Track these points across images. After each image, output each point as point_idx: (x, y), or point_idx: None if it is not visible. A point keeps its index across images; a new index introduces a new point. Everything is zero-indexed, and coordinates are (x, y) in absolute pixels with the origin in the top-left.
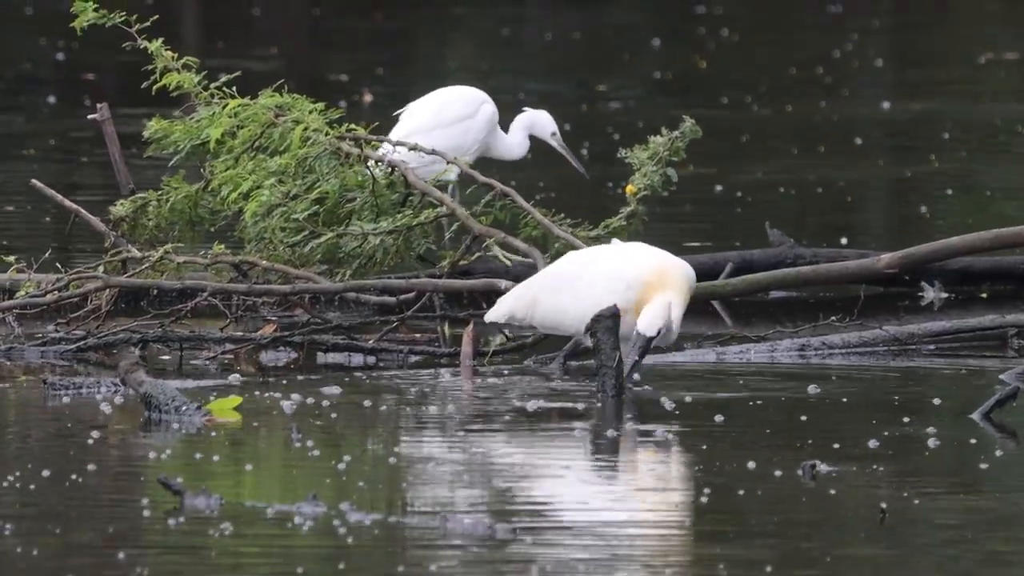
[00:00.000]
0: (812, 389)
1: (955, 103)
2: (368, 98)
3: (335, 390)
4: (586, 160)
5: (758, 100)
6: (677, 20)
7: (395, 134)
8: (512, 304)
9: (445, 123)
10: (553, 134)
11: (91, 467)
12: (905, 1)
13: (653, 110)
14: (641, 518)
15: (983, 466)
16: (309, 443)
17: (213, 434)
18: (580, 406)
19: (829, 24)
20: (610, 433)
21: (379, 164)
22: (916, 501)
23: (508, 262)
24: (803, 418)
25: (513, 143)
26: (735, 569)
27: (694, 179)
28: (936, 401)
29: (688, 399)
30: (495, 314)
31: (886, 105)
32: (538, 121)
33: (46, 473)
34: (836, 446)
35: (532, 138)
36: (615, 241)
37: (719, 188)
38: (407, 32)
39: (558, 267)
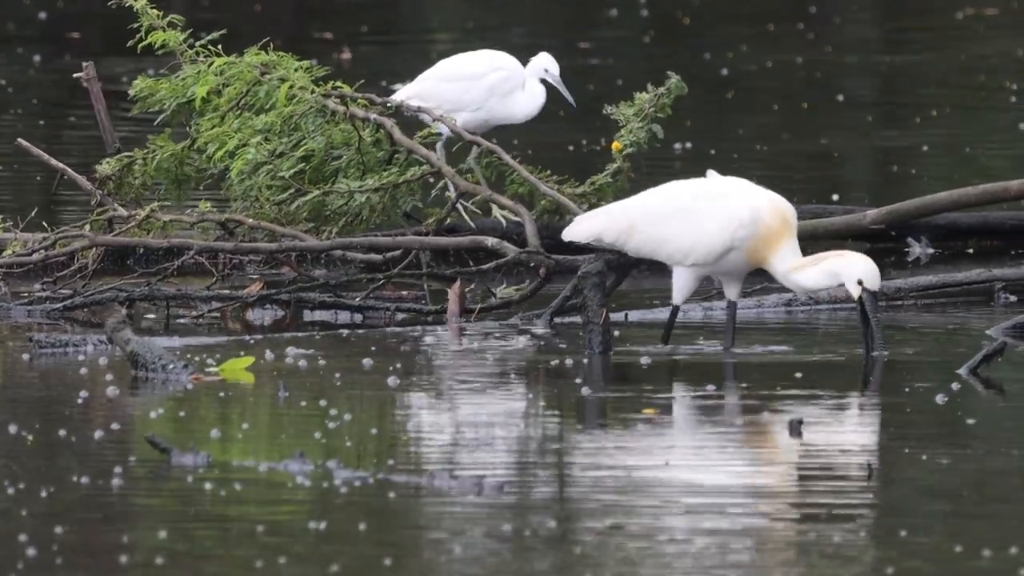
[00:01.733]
0: (784, 349)
1: (938, 58)
2: (347, 56)
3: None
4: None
5: (740, 57)
6: None
7: (405, 89)
8: (601, 225)
9: (451, 77)
10: (546, 70)
11: (78, 426)
12: None
13: (636, 67)
14: (625, 474)
15: (970, 421)
16: (297, 401)
17: (202, 392)
18: (567, 362)
19: None
20: (595, 390)
21: (366, 122)
22: (904, 455)
23: (503, 221)
24: (797, 375)
25: (516, 103)
26: (703, 523)
27: (682, 137)
28: (923, 356)
29: (677, 356)
30: (576, 232)
31: (866, 60)
32: (535, 65)
33: (33, 432)
34: (824, 401)
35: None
36: (712, 174)
37: (706, 146)
38: None
39: (662, 196)
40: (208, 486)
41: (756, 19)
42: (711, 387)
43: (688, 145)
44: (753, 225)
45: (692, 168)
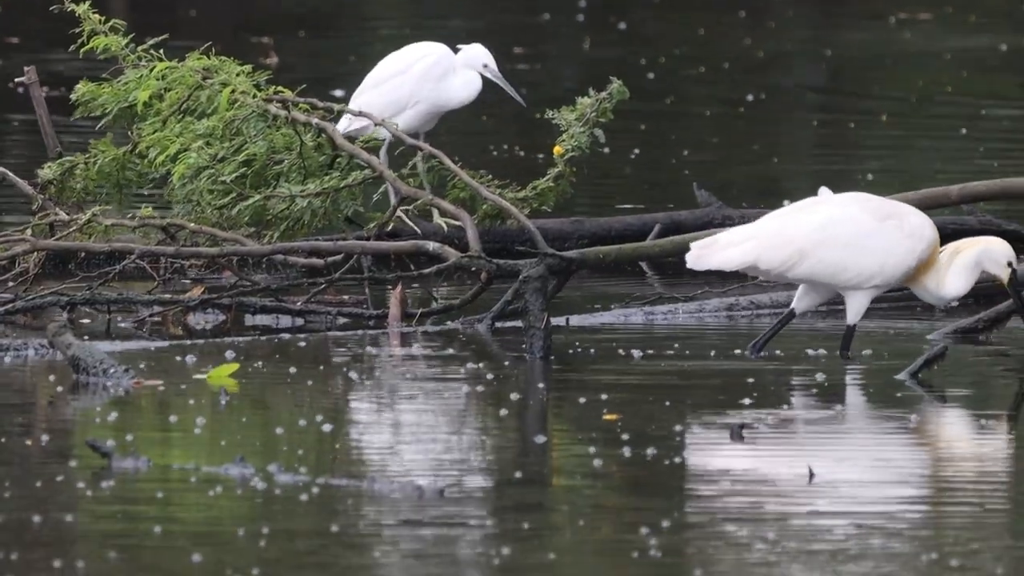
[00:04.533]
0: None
1: (876, 62)
2: (273, 60)
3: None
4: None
5: (679, 60)
6: None
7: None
8: (755, 253)
9: (381, 80)
10: (485, 66)
11: (18, 430)
12: None
13: (574, 72)
14: (567, 480)
15: (909, 425)
16: (237, 406)
17: (142, 397)
18: (508, 367)
19: None
20: (537, 395)
21: (308, 126)
22: (841, 461)
23: (444, 226)
24: (741, 380)
25: (451, 87)
26: (643, 522)
27: (623, 140)
28: (864, 361)
29: (622, 352)
30: (720, 261)
31: (803, 64)
32: (469, 56)
33: None
34: (761, 407)
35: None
36: (824, 191)
37: (648, 149)
38: None
39: (834, 220)
40: (148, 490)
41: (690, 24)
42: (653, 397)
43: (635, 151)
44: (933, 244)
45: (641, 175)
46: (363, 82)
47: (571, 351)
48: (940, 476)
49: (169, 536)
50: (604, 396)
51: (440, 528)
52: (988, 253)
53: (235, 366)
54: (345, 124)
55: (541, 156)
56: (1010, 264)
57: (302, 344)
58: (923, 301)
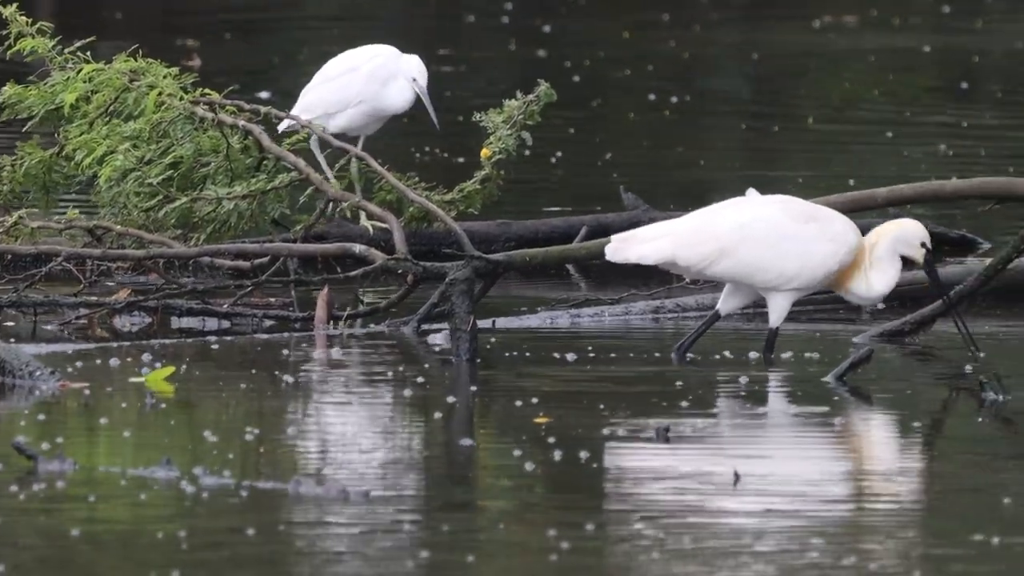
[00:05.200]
0: (655, 356)
1: (802, 66)
2: (195, 62)
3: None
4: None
5: (604, 63)
6: None
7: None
8: (672, 248)
9: (331, 76)
10: (414, 79)
11: None
12: None
13: (500, 74)
14: (493, 481)
15: (835, 428)
16: (165, 408)
17: (68, 399)
18: (434, 370)
19: None
20: (464, 397)
21: (234, 128)
22: (766, 464)
23: (370, 227)
24: (671, 382)
25: (391, 93)
26: (563, 529)
27: (550, 142)
28: (789, 364)
29: (554, 355)
30: (637, 254)
31: (730, 67)
32: (404, 65)
33: None
34: (686, 409)
35: None
36: (752, 192)
37: (575, 152)
38: None
39: (754, 219)
40: (74, 492)
41: (615, 27)
42: (575, 403)
43: (560, 153)
44: (855, 248)
45: (568, 177)
46: (313, 78)
47: (498, 354)
48: (864, 478)
49: (94, 538)
50: (531, 399)
51: (364, 530)
52: (902, 237)
53: (171, 369)
54: (286, 123)
55: (466, 159)
56: (923, 244)
57: (229, 346)
58: (853, 304)
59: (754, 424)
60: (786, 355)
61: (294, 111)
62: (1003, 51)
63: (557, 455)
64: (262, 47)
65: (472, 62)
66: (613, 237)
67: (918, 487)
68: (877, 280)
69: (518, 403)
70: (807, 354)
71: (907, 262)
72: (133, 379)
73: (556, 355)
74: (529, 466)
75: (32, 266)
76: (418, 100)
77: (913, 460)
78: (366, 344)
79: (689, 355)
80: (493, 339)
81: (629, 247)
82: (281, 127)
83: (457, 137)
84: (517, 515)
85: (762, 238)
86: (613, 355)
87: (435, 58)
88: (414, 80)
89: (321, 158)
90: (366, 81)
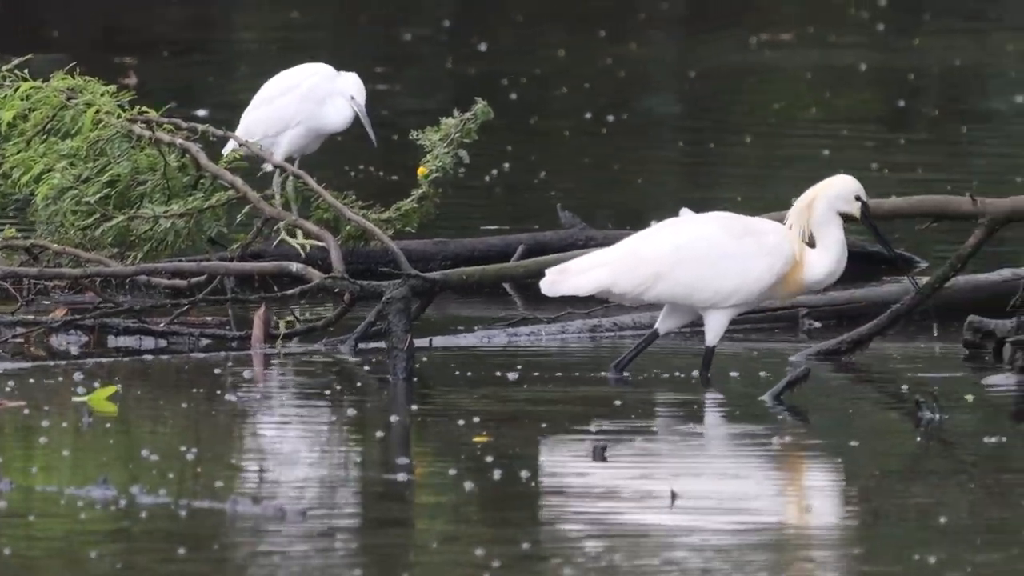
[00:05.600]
0: (590, 376)
1: (736, 83)
2: (132, 80)
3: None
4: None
5: (541, 80)
6: (477, 8)
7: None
8: (611, 277)
9: (270, 98)
10: (352, 98)
11: None
12: None
13: (437, 91)
14: (430, 500)
15: (772, 447)
16: (101, 427)
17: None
18: (371, 388)
19: (620, 7)
20: (401, 416)
21: (172, 147)
22: (703, 483)
23: (301, 250)
24: (609, 400)
25: (328, 112)
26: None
27: (487, 160)
28: (727, 382)
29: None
30: (574, 286)
31: (665, 84)
32: (342, 84)
33: None
34: (624, 427)
35: None
36: (686, 211)
37: (512, 170)
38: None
39: (686, 240)
40: (11, 511)
41: (551, 45)
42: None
43: (495, 172)
44: (791, 260)
45: (505, 195)
46: (253, 100)
47: (435, 372)
48: (801, 497)
49: (29, 557)
50: (468, 417)
51: (300, 548)
52: (837, 194)
53: (113, 388)
54: (231, 146)
55: (402, 177)
56: (858, 198)
57: (166, 365)
58: (812, 292)
59: (691, 443)
60: (723, 374)
61: (236, 133)
62: (940, 69)
63: (494, 474)
64: (199, 65)
65: (408, 80)
66: (547, 271)
67: (855, 506)
68: (820, 267)
69: (455, 422)
70: (744, 373)
71: (848, 219)
72: (76, 399)
73: (494, 374)
74: (466, 484)
75: None
76: (357, 118)
77: (850, 479)
78: (303, 363)
79: (625, 372)
80: (430, 358)
81: (564, 279)
82: (226, 150)
83: (393, 155)
84: (452, 533)
85: (697, 257)
86: (551, 374)
87: (372, 76)
88: (352, 98)
89: (278, 183)
90: (302, 101)
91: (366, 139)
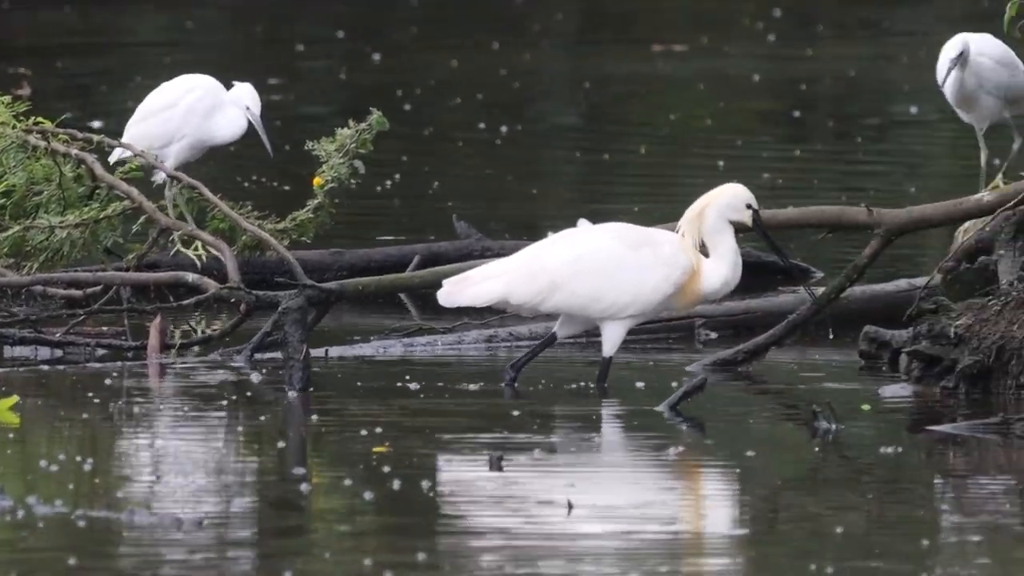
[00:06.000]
0: (487, 386)
1: (632, 94)
2: (25, 91)
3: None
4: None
5: (435, 91)
6: (370, 18)
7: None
8: (506, 288)
9: (151, 112)
10: (247, 108)
11: None
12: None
13: (331, 102)
14: (327, 508)
15: (668, 457)
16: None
17: None
18: (268, 398)
19: (513, 18)
20: (297, 426)
21: (67, 157)
22: (599, 493)
23: (197, 260)
24: (502, 410)
25: (217, 124)
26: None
27: (383, 171)
28: (624, 393)
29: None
30: (471, 297)
31: (562, 96)
32: (235, 95)
33: None
34: (521, 437)
35: None
36: (584, 222)
37: (408, 180)
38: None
39: (582, 250)
40: None
41: (444, 56)
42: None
43: (388, 183)
44: (688, 270)
45: (401, 206)
46: (135, 113)
47: (331, 382)
48: (698, 507)
49: None
50: (365, 427)
51: (196, 558)
52: (727, 203)
53: (15, 399)
54: (118, 153)
55: (297, 188)
56: (749, 206)
57: (61, 375)
58: (711, 302)
59: (588, 453)
60: (619, 384)
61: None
62: (833, 79)
63: (391, 483)
64: (93, 75)
65: (303, 90)
66: (444, 282)
67: (751, 515)
68: (715, 276)
69: (352, 432)
70: (640, 383)
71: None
72: None
73: (391, 384)
74: (363, 493)
75: None
76: (251, 129)
77: (746, 488)
78: (199, 373)
79: (519, 372)
80: (326, 368)
81: (461, 290)
82: (112, 158)
83: (288, 166)
84: (349, 542)
85: (594, 268)
86: (447, 384)
87: (266, 86)
88: (248, 109)
89: (170, 195)
90: (184, 116)
91: (261, 149)
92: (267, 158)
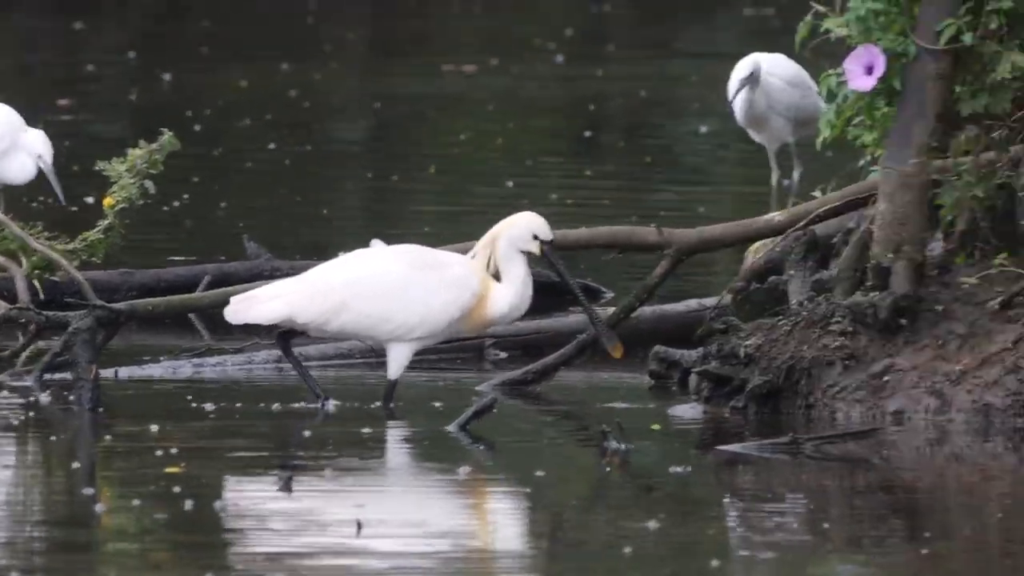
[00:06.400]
0: (277, 407)
1: (428, 113)
2: None
3: None
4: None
5: (224, 112)
6: (161, 39)
7: None
8: (292, 307)
9: None
10: (40, 156)
11: None
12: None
13: (121, 122)
14: (114, 531)
15: (459, 477)
16: None
17: None
18: (57, 419)
19: (303, 37)
20: (86, 447)
21: None
22: (388, 513)
23: None
24: (291, 431)
25: (10, 167)
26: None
27: (173, 191)
28: (412, 413)
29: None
30: (256, 315)
31: (355, 116)
32: (29, 141)
33: None
34: (311, 459)
35: None
36: (377, 242)
37: (199, 201)
38: None
39: (369, 271)
40: None
41: (233, 76)
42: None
43: (176, 203)
44: (477, 293)
45: (191, 226)
46: None
47: (121, 403)
48: (486, 528)
49: None
50: (155, 448)
51: None
52: (515, 235)
53: None
54: None
55: (86, 209)
56: (536, 236)
57: None
58: (498, 328)
59: (377, 473)
60: (408, 404)
61: None
62: (624, 98)
63: (183, 503)
64: None
65: (92, 111)
66: (232, 299)
67: (541, 535)
68: (501, 296)
69: (143, 453)
70: (429, 403)
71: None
72: None
73: (181, 405)
74: (154, 514)
75: None
76: (41, 175)
77: (536, 508)
78: None
79: (315, 403)
80: (116, 388)
81: (248, 308)
82: None
83: (78, 186)
84: (138, 561)
85: (378, 290)
86: (236, 404)
87: (54, 107)
88: (40, 157)
89: None
90: None
91: (55, 196)
92: (60, 204)
